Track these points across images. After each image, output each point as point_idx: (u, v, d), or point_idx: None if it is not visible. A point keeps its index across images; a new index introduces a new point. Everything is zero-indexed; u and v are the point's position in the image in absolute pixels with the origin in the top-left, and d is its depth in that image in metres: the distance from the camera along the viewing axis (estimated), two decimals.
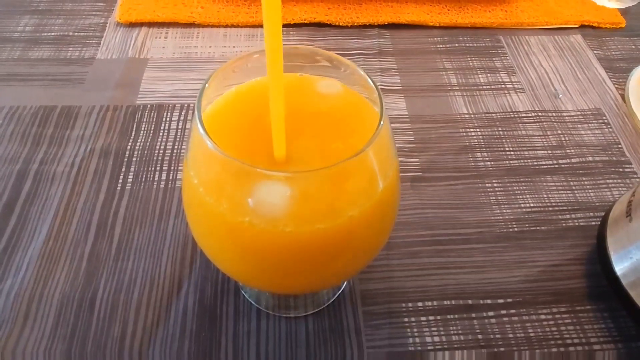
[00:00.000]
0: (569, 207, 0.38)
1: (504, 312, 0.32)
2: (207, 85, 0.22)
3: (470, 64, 0.49)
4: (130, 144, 0.40)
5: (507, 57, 0.50)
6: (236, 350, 0.29)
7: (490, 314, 0.32)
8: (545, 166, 0.40)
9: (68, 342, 0.29)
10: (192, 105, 0.43)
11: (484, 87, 0.47)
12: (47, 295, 0.31)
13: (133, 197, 0.36)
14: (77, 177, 0.37)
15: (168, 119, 0.42)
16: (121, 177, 0.38)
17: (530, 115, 0.44)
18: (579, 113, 0.45)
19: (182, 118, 0.42)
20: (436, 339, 0.31)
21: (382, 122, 0.20)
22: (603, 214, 0.37)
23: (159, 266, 0.33)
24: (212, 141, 0.19)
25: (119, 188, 0.37)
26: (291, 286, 0.24)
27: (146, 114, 0.42)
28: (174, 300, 0.31)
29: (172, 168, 0.38)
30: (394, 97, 0.45)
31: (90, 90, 0.44)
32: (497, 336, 0.31)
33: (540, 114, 0.44)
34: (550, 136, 0.43)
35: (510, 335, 0.31)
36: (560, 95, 0.46)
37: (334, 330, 0.31)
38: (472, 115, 0.44)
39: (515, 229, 0.36)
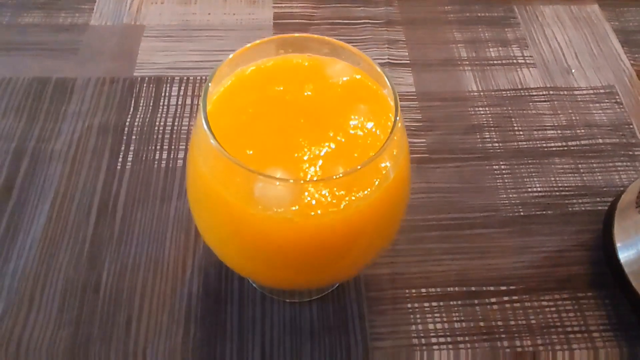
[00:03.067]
0: (576, 192, 0.37)
1: (506, 298, 0.32)
2: (209, 84, 0.21)
3: (482, 35, 0.47)
4: (129, 119, 0.39)
5: (520, 29, 0.48)
6: (241, 336, 0.30)
7: (493, 300, 0.32)
8: (554, 148, 0.40)
9: (74, 327, 0.29)
10: (192, 78, 0.42)
11: (495, 61, 0.45)
12: (51, 279, 0.31)
13: (134, 177, 0.36)
14: (76, 156, 0.36)
15: (167, 94, 0.40)
16: (121, 155, 0.37)
17: (541, 92, 0.43)
18: (591, 91, 0.43)
19: (181, 92, 0.40)
20: (438, 325, 0.31)
21: (395, 127, 0.19)
22: (610, 199, 0.37)
23: (163, 250, 0.33)
24: (220, 145, 0.19)
25: (119, 167, 0.36)
26: (299, 281, 0.24)
27: (144, 87, 0.40)
28: (178, 285, 0.31)
29: (173, 147, 0.37)
30: (401, 71, 0.43)
31: (85, 61, 0.42)
32: (499, 323, 0.31)
33: (551, 92, 0.43)
34: (560, 115, 0.42)
35: (512, 323, 0.31)
36: (573, 71, 0.45)
37: (338, 316, 0.31)
38: (482, 93, 0.43)
39: (522, 213, 0.36)
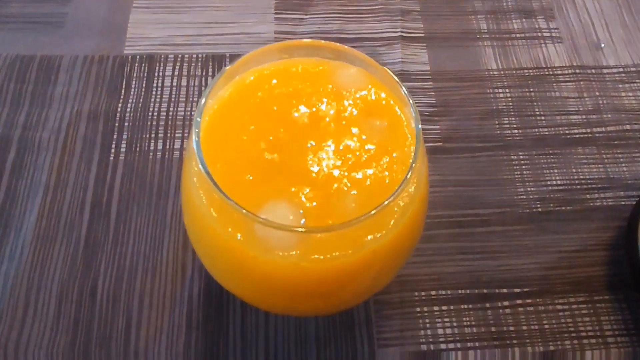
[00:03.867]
0: (599, 185, 0.35)
1: (519, 302, 0.31)
2: (198, 119, 0.18)
3: (504, 5, 0.42)
4: (120, 104, 0.36)
5: None
6: (244, 343, 0.29)
7: (505, 304, 0.31)
8: (577, 135, 0.37)
9: (72, 333, 0.29)
10: (187, 56, 0.38)
11: (518, 35, 0.41)
12: (45, 282, 0.30)
13: (128, 170, 0.34)
14: (66, 146, 0.34)
15: (161, 74, 0.37)
16: (113, 145, 0.34)
17: (566, 72, 0.39)
18: (621, 69, 0.40)
19: (176, 73, 0.37)
20: (448, 331, 0.30)
21: (413, 163, 0.16)
22: (635, 193, 0.34)
23: (161, 251, 0.31)
24: (218, 186, 0.16)
25: (111, 159, 0.34)
26: (305, 312, 0.22)
27: (136, 67, 0.37)
28: (178, 289, 0.30)
29: (169, 135, 0.35)
30: (415, 47, 0.40)
31: (72, 37, 0.38)
32: (511, 328, 0.30)
33: (577, 71, 0.40)
34: (586, 98, 0.38)
35: (524, 327, 0.30)
36: (603, 46, 0.41)
37: (344, 320, 0.30)
38: (502, 72, 0.39)
39: (539, 210, 0.34)
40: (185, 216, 0.20)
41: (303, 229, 0.16)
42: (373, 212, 0.16)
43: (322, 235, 0.16)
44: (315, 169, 0.18)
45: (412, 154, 0.17)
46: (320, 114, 0.19)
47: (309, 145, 0.19)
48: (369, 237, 0.17)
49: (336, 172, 0.18)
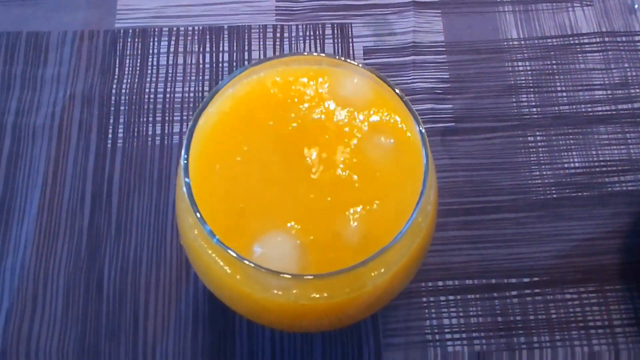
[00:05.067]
0: (619, 167, 0.33)
1: (527, 292, 0.31)
2: (185, 156, 0.16)
3: None
4: (115, 86, 0.34)
5: None
6: (251, 335, 0.29)
7: (514, 293, 0.31)
8: (600, 112, 0.35)
9: (81, 327, 0.29)
10: (182, 29, 0.36)
11: None
12: (51, 276, 0.30)
13: (127, 157, 0.32)
14: (61, 132, 0.33)
15: (156, 51, 0.35)
16: (110, 130, 0.33)
17: (594, 39, 0.36)
18: None
19: (171, 49, 0.35)
20: (454, 321, 0.30)
21: (421, 197, 0.15)
22: None
23: (164, 242, 0.31)
24: (211, 231, 0.15)
25: (109, 146, 0.33)
26: (308, 330, 0.22)
27: (129, 43, 0.35)
28: (183, 281, 0.30)
29: (167, 118, 0.34)
30: (429, 14, 0.37)
31: (59, 10, 0.36)
32: (518, 318, 0.30)
33: (606, 38, 0.36)
34: (613, 70, 0.36)
35: (531, 317, 0.30)
36: (636, 7, 0.37)
37: None
38: (523, 42, 0.36)
39: (554, 195, 0.33)
40: (181, 238, 0.20)
41: (291, 276, 0.15)
42: (375, 256, 0.15)
43: (320, 280, 0.15)
44: (314, 195, 0.17)
45: (421, 181, 0.16)
46: (321, 131, 0.18)
47: (307, 167, 0.17)
48: (374, 273, 0.16)
49: (338, 201, 0.17)
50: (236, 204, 0.17)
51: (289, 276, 0.15)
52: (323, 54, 0.17)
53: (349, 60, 0.18)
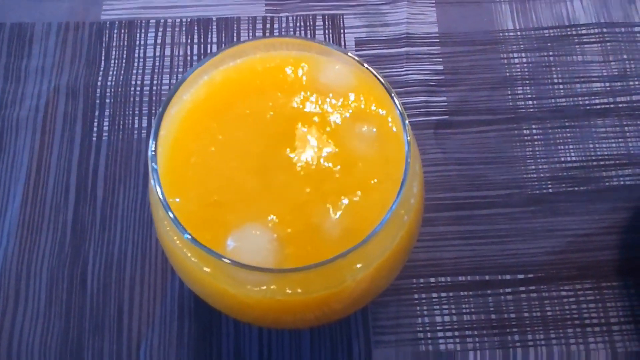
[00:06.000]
0: (617, 161, 0.32)
1: (522, 288, 0.30)
2: (153, 142, 0.16)
3: None
4: (100, 78, 0.33)
5: None
6: (238, 329, 0.28)
7: (507, 290, 0.30)
8: (598, 105, 0.34)
9: (64, 321, 0.28)
10: (170, 21, 0.35)
11: None
12: (34, 270, 0.29)
13: (112, 150, 0.32)
14: (45, 125, 0.32)
15: (142, 42, 0.34)
16: (95, 123, 0.32)
17: (592, 30, 0.35)
18: None
19: (158, 41, 0.34)
20: (446, 318, 0.29)
21: (404, 182, 0.14)
22: None
23: (149, 236, 0.30)
24: (181, 225, 0.14)
25: (94, 139, 0.32)
26: (293, 327, 0.21)
27: (115, 35, 0.34)
28: (168, 276, 0.29)
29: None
30: (422, 5, 0.36)
31: (43, 0, 0.35)
32: (512, 315, 0.29)
33: (604, 29, 0.35)
34: (611, 62, 0.35)
35: (526, 314, 0.29)
36: None
37: None
38: (519, 33, 0.35)
39: (550, 190, 0.32)
40: (158, 234, 0.19)
41: (264, 270, 0.15)
42: (355, 248, 0.14)
43: (296, 274, 0.15)
44: (293, 186, 0.16)
45: (402, 171, 0.15)
46: (301, 120, 0.17)
47: (286, 157, 0.17)
48: (353, 267, 0.15)
49: (318, 192, 0.16)
50: (210, 196, 0.16)
51: (262, 270, 0.14)
52: (305, 38, 0.16)
53: (330, 46, 0.17)
